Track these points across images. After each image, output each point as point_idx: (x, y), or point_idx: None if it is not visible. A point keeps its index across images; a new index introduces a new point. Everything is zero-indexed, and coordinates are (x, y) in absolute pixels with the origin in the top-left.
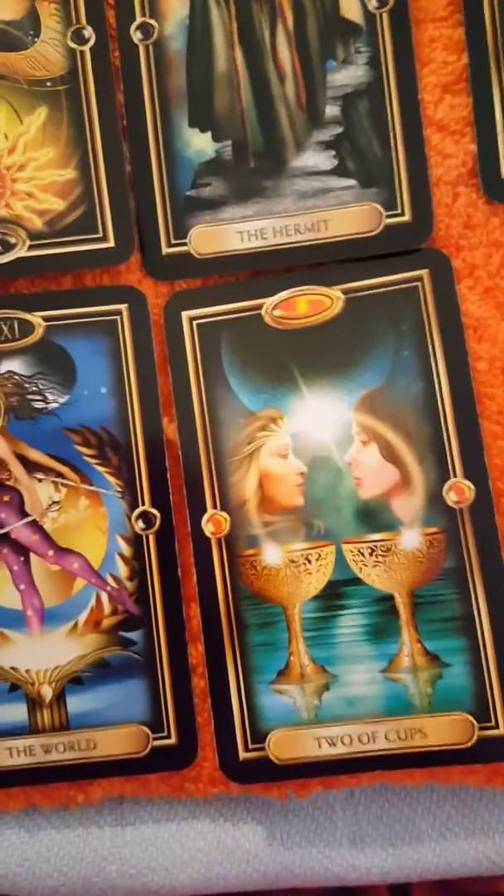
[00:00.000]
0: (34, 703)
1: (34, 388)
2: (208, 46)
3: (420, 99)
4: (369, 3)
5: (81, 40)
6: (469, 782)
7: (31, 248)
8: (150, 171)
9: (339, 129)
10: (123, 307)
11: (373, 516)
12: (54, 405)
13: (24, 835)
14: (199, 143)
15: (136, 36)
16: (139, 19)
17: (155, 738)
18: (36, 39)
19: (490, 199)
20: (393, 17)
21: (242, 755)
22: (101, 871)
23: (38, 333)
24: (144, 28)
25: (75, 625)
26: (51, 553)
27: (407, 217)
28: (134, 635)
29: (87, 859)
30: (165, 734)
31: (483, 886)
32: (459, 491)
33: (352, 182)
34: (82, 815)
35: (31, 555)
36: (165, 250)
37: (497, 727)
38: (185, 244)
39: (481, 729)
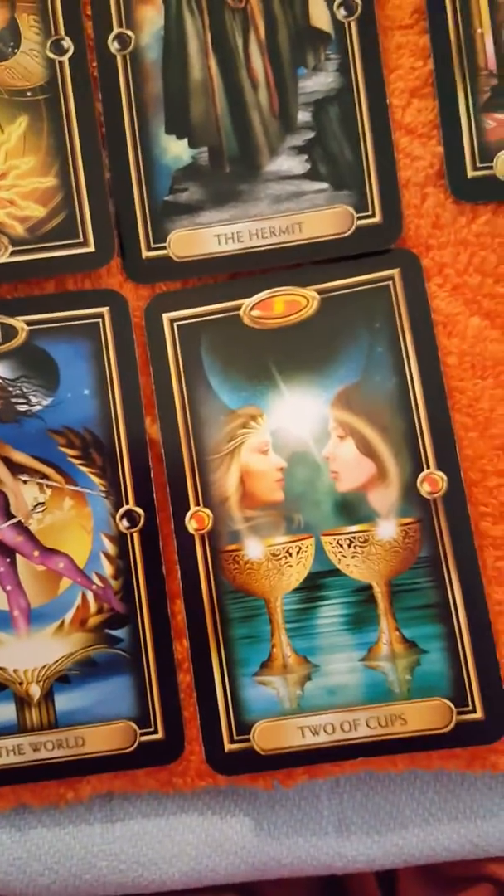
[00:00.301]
0: (22, 702)
1: (18, 392)
2: (183, 56)
3: (388, 104)
4: (338, 12)
5: (60, 51)
6: (450, 767)
7: (13, 253)
8: (129, 178)
9: (311, 135)
10: (105, 310)
11: (350, 509)
12: (38, 407)
13: (14, 834)
14: (176, 150)
15: (114, 46)
16: (116, 30)
17: (142, 734)
18: (16, 50)
19: (457, 200)
20: (361, 25)
21: (228, 747)
22: (92, 868)
23: (22, 337)
24: (121, 38)
25: (62, 624)
26: (36, 553)
27: (377, 218)
28: (120, 633)
29: (77, 856)
30: (152, 729)
31: (467, 870)
32: (433, 482)
33: (324, 185)
34: (72, 813)
35: (17, 556)
36: (145, 254)
37: (475, 711)
38: (164, 248)
39: (459, 714)
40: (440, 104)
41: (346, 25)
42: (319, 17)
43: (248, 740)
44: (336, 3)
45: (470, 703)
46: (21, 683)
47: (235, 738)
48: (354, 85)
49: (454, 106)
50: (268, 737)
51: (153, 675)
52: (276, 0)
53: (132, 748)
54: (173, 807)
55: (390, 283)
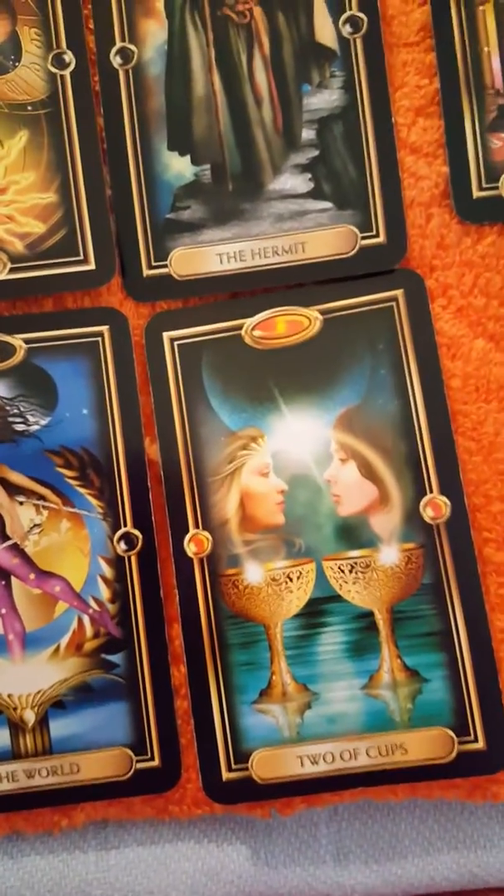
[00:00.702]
0: (16, 728)
1: (15, 411)
2: (186, 71)
3: (393, 122)
4: (343, 29)
5: (62, 65)
6: (450, 797)
7: (11, 270)
8: (131, 195)
9: (315, 153)
10: (105, 329)
11: (352, 533)
12: (36, 427)
13: (7, 861)
14: (179, 167)
15: (116, 60)
16: (118, 44)
17: (138, 761)
18: (17, 64)
19: (462, 220)
20: (366, 42)
21: (226, 776)
22: None
23: (20, 356)
24: (124, 53)
25: (57, 648)
26: (32, 576)
27: (381, 238)
28: (116, 658)
29: (71, 885)
30: (149, 756)
31: None
32: (436, 507)
33: (328, 205)
34: (66, 840)
35: (13, 578)
36: (146, 272)
37: (476, 741)
38: (165, 266)
39: (461, 743)
40: (446, 123)
41: (352, 42)
42: (324, 33)
43: (246, 769)
44: (341, 20)
45: (472, 732)
46: (15, 709)
47: (233, 766)
48: (359, 102)
49: (460, 125)
50: (266, 766)
51: (150, 701)
52: (280, 16)
53: (128, 775)
54: (169, 834)
55: (394, 304)
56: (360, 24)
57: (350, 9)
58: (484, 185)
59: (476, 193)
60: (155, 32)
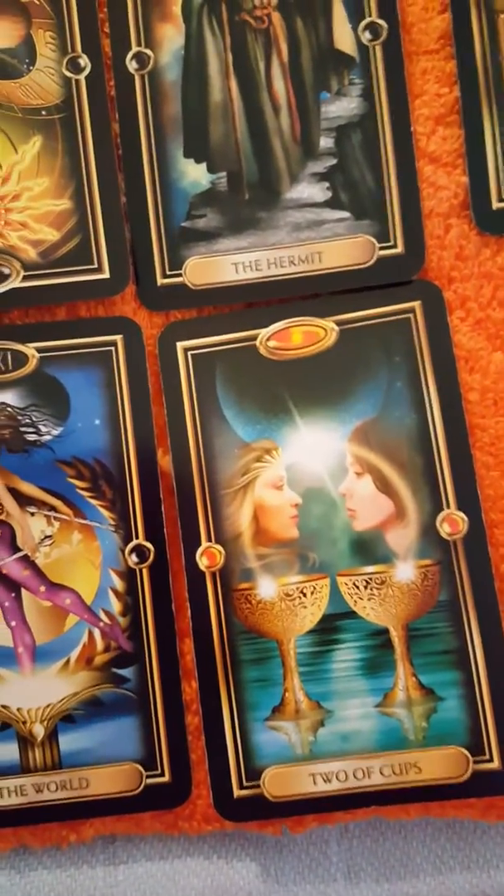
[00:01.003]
0: (26, 741)
1: (27, 421)
2: (203, 77)
3: (413, 131)
4: (363, 36)
5: (77, 69)
6: (463, 816)
7: (25, 278)
8: (146, 202)
9: (333, 161)
10: (118, 338)
11: (367, 548)
12: (48, 437)
13: (14, 876)
14: (194, 174)
15: (132, 65)
16: (135, 49)
17: (148, 776)
18: (31, 67)
19: (482, 231)
20: (386, 49)
21: (237, 793)
22: None
23: (32, 365)
24: (140, 58)
25: (67, 662)
26: (43, 589)
27: (399, 249)
28: (127, 672)
29: None
30: (159, 772)
31: None
32: (453, 522)
33: (345, 214)
34: (74, 855)
35: (23, 591)
36: (160, 281)
37: (491, 761)
38: (180, 275)
39: (476, 763)
40: (466, 132)
41: (371, 49)
42: (344, 40)
43: (258, 786)
44: (361, 27)
45: (487, 752)
46: (24, 722)
47: (245, 784)
48: (378, 111)
49: (480, 135)
50: (278, 783)
51: (160, 716)
52: (299, 21)
53: (138, 791)
54: (178, 850)
55: (411, 315)
56: (380, 31)
57: (370, 15)
58: None
59: (496, 204)
60: (172, 37)
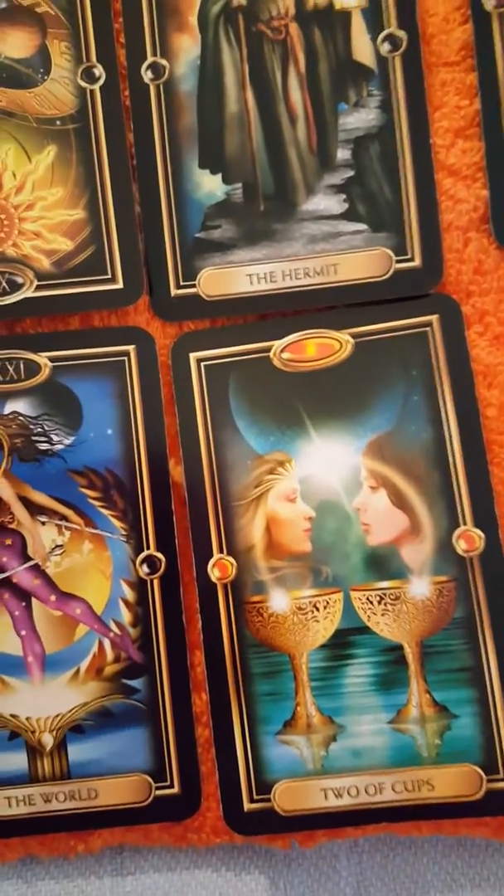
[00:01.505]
0: (34, 751)
1: (39, 430)
2: (219, 87)
3: (432, 143)
4: (381, 47)
5: (92, 79)
6: (476, 834)
7: (38, 288)
8: (160, 213)
9: (350, 173)
10: (131, 348)
11: (381, 563)
12: (59, 447)
13: (21, 886)
14: (210, 185)
15: (147, 75)
16: (150, 59)
17: (157, 788)
18: (46, 77)
19: (501, 245)
20: (405, 60)
21: (248, 807)
22: None
23: (45, 374)
24: (155, 67)
25: (77, 672)
26: (53, 598)
27: (417, 262)
28: (137, 683)
29: None
30: (168, 784)
31: None
32: (469, 539)
33: (362, 226)
34: (82, 865)
35: (33, 600)
36: (174, 292)
37: None
38: (193, 286)
39: (489, 781)
40: (486, 145)
41: (390, 60)
42: (362, 51)
43: (268, 800)
44: (380, 38)
45: (501, 771)
46: (34, 732)
47: (255, 797)
48: (397, 123)
49: (501, 147)
50: (289, 798)
51: (170, 727)
52: (317, 32)
53: (147, 802)
54: (186, 862)
55: (428, 329)
56: (400, 43)
57: (389, 26)
58: None
59: None
60: (188, 47)
